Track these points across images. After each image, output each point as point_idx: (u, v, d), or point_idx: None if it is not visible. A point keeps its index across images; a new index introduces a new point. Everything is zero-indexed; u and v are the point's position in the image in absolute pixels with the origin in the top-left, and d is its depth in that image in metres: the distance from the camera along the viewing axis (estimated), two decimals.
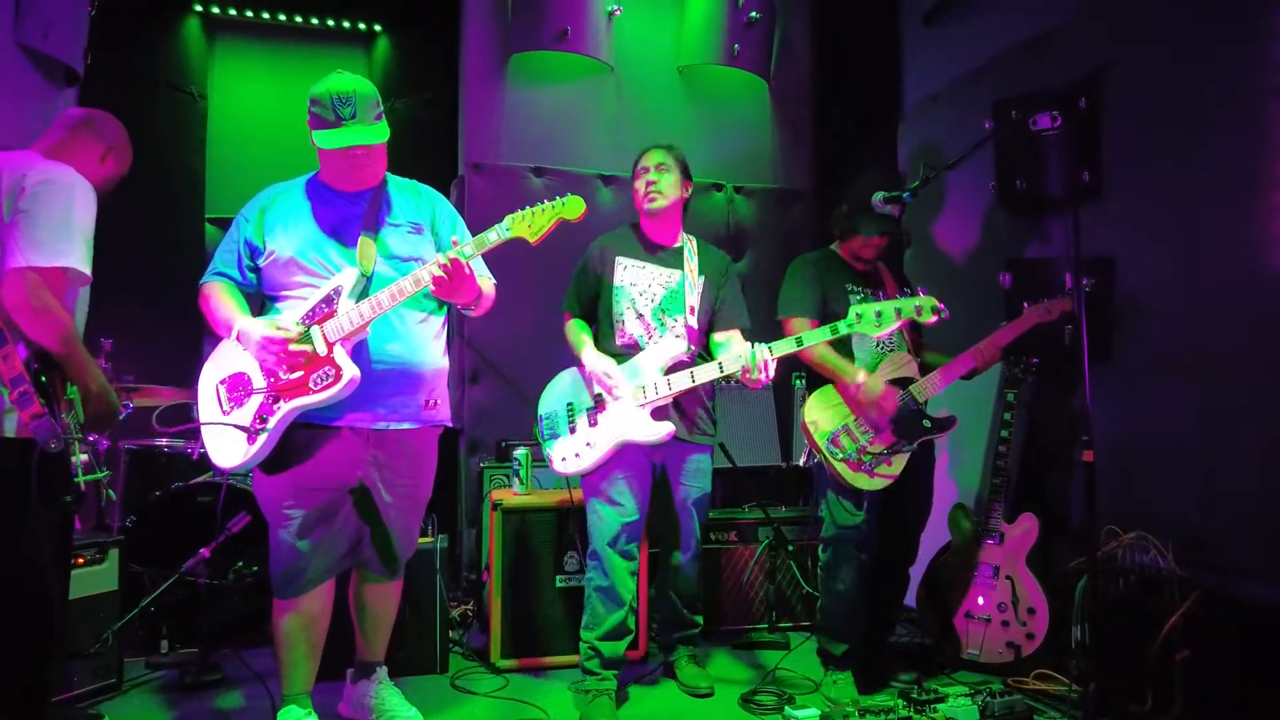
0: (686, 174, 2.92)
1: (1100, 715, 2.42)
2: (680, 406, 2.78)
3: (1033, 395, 3.30)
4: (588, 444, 2.71)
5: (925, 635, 3.28)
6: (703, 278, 2.89)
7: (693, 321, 2.82)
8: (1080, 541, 2.75)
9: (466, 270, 2.26)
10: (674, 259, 2.89)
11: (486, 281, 2.51)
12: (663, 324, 2.81)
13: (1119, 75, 3.09)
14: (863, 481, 2.75)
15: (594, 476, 2.76)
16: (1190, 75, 2.82)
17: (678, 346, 2.73)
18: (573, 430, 2.75)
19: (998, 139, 3.32)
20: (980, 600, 3.03)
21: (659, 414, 2.69)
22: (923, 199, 3.30)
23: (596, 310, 2.89)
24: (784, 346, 2.57)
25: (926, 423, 2.82)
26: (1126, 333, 3.02)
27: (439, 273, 2.22)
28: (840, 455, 2.75)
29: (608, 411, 2.70)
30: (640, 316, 2.81)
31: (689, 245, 2.93)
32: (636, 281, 2.84)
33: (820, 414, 2.81)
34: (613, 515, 2.74)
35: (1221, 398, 2.72)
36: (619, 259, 2.86)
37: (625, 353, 2.78)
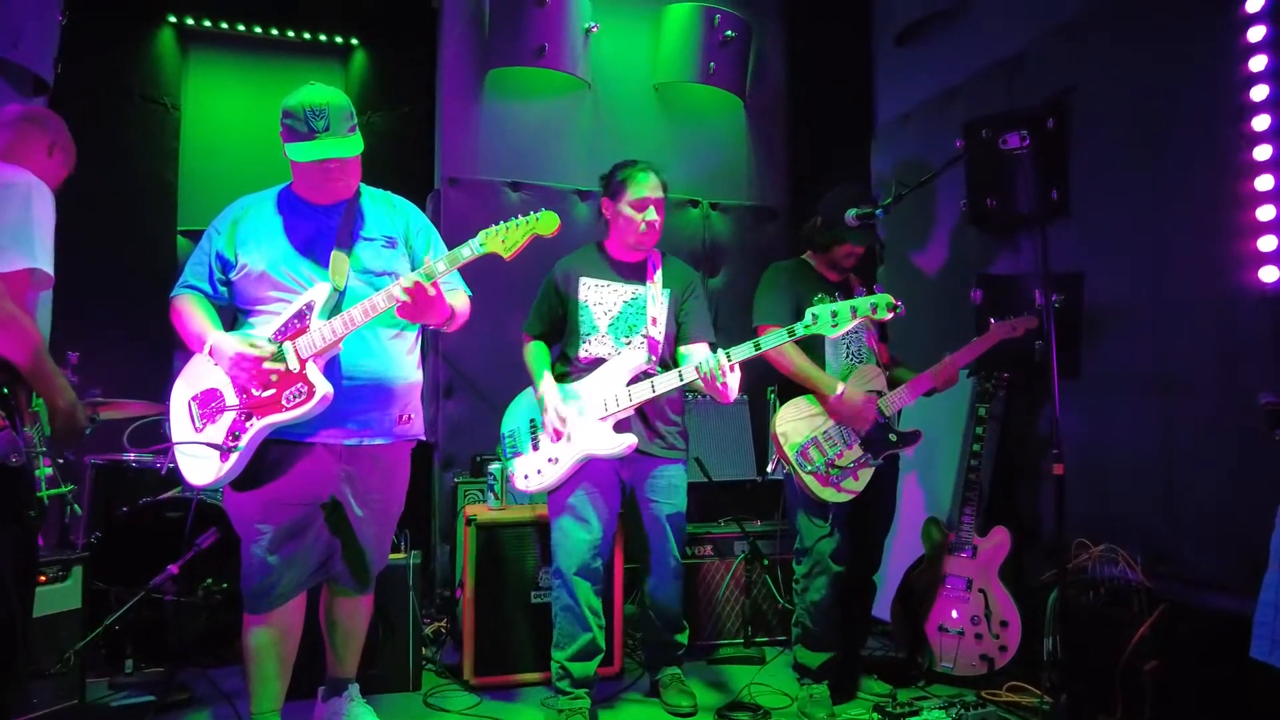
0: None
1: None
2: (646, 420, 2.76)
3: (1004, 409, 3.35)
4: (550, 460, 2.69)
5: (899, 648, 3.29)
6: (667, 290, 2.87)
7: (655, 333, 2.79)
8: (1051, 554, 2.78)
9: (431, 292, 2.21)
10: (639, 274, 2.88)
11: (460, 296, 2.49)
12: (624, 343, 2.78)
13: (1086, 96, 3.16)
14: (830, 494, 2.78)
15: (559, 493, 2.73)
16: (1155, 97, 2.89)
17: (639, 358, 2.71)
18: (535, 447, 2.74)
19: (969, 158, 3.38)
20: (953, 613, 3.05)
21: (621, 427, 2.68)
22: (896, 216, 3.35)
23: (561, 331, 2.88)
24: (742, 351, 2.54)
25: (892, 437, 2.85)
26: (1094, 347, 3.08)
27: (404, 297, 2.18)
28: (809, 468, 2.77)
29: (570, 426, 2.69)
30: (605, 336, 2.80)
31: (654, 259, 2.91)
32: (602, 300, 2.82)
33: (790, 426, 2.83)
34: (579, 532, 2.72)
35: (1185, 412, 2.78)
36: (583, 279, 2.84)
37: (590, 371, 2.76)
